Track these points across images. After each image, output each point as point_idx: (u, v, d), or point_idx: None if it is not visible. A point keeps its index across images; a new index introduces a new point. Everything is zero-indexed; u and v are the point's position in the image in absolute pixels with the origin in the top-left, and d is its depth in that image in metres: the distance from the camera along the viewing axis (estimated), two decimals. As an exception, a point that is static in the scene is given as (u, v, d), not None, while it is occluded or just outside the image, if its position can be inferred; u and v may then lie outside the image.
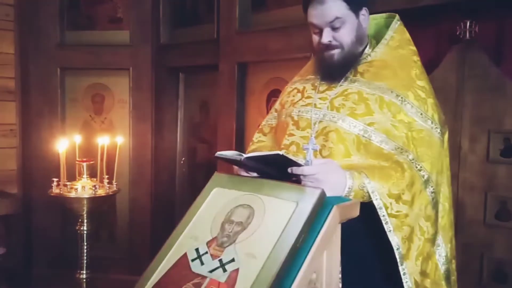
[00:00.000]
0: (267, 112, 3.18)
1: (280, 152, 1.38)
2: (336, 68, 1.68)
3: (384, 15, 1.85)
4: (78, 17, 4.03)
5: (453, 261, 1.71)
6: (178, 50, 3.87)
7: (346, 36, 1.63)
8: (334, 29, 1.61)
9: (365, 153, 1.58)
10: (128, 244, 4.02)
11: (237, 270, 1.24)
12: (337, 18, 1.59)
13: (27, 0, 3.87)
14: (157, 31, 3.92)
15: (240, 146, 3.28)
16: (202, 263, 1.31)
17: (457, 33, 2.41)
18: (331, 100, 1.66)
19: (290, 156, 1.44)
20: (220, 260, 1.28)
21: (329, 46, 1.63)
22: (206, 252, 1.33)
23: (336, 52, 1.65)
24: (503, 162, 2.37)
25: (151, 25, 3.90)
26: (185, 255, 1.36)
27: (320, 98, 1.70)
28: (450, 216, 1.70)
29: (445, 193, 1.68)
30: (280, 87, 3.09)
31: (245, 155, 1.41)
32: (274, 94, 3.13)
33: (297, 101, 1.77)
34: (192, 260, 1.33)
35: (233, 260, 1.26)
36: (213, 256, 1.31)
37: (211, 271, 1.27)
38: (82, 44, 3.97)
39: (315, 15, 1.61)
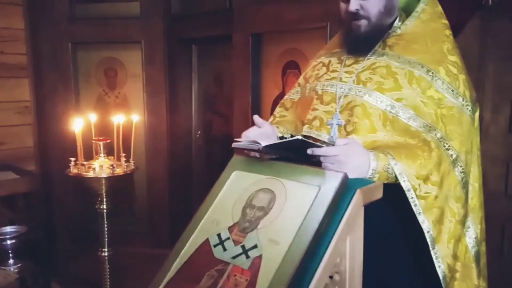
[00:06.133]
0: (283, 84, 3.14)
1: (300, 137, 1.35)
2: (363, 40, 1.62)
3: None
4: (87, -12, 3.93)
5: (483, 243, 1.67)
6: (190, 21, 3.78)
7: (374, 5, 1.56)
8: None
9: (391, 129, 1.53)
10: (147, 217, 4.05)
11: (260, 256, 1.23)
12: None
13: (34, -26, 3.78)
14: (168, 1, 3.83)
15: (256, 119, 3.23)
16: (224, 249, 1.30)
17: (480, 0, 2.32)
18: (357, 74, 1.60)
19: (311, 141, 1.41)
20: (243, 246, 1.27)
21: (356, 15, 1.57)
22: (228, 238, 1.32)
23: (363, 23, 1.59)
24: (526, 133, 2.32)
25: (162, -5, 3.79)
26: (207, 240, 1.35)
27: (346, 72, 1.64)
28: (480, 197, 1.65)
29: (475, 173, 1.62)
30: (296, 58, 3.03)
31: (263, 144, 1.37)
32: (290, 66, 3.06)
33: (322, 75, 1.72)
34: (215, 246, 1.32)
35: (255, 246, 1.25)
36: (236, 242, 1.30)
37: (234, 257, 1.26)
38: (92, 17, 3.90)
39: None
